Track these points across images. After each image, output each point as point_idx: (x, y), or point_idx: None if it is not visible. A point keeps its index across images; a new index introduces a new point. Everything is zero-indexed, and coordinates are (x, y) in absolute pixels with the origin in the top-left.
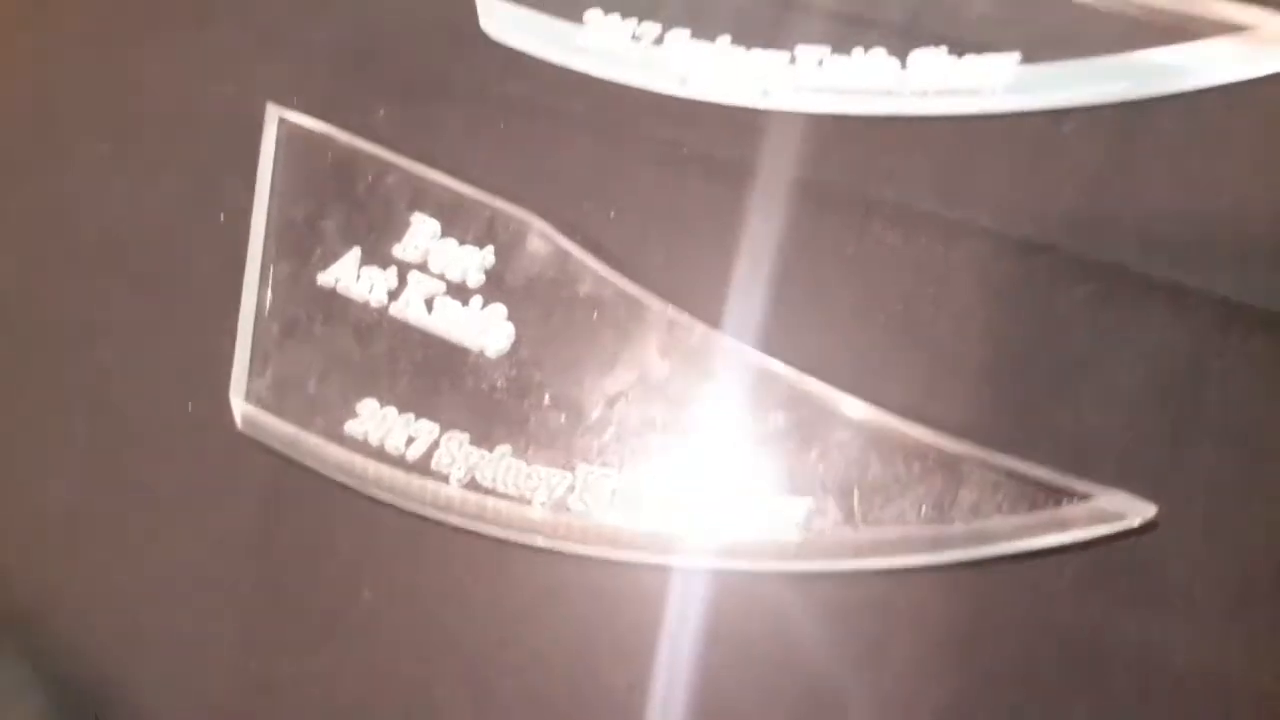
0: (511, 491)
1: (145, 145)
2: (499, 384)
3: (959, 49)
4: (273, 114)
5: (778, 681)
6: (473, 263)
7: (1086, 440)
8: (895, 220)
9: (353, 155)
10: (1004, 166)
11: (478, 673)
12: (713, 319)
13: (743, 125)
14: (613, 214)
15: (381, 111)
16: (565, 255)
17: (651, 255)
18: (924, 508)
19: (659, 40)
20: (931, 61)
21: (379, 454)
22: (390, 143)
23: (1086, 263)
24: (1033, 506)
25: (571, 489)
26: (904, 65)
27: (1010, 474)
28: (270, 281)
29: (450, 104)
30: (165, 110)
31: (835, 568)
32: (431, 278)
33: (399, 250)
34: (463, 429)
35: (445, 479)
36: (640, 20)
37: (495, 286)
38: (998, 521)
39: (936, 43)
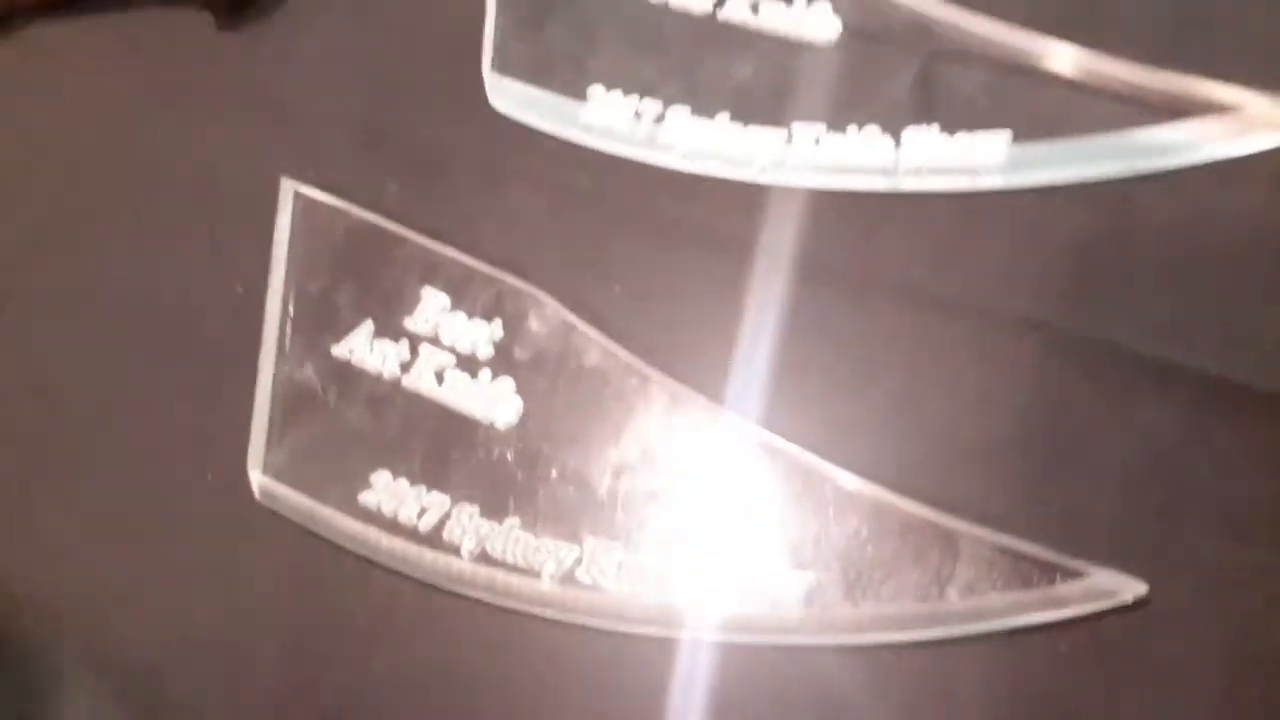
0: (521, 564)
1: (164, 218)
2: (508, 456)
3: (951, 127)
4: (288, 189)
5: None
6: (482, 336)
7: (1079, 516)
8: (892, 296)
9: (365, 229)
10: (997, 243)
11: None
12: (714, 393)
13: (742, 201)
14: (617, 288)
15: (393, 185)
16: (571, 329)
17: (655, 329)
18: (922, 584)
19: (660, 118)
20: (925, 140)
21: (392, 526)
22: (401, 216)
23: (1079, 340)
24: (1027, 584)
25: (579, 561)
26: (898, 143)
27: (1006, 551)
28: (286, 354)
29: (459, 178)
30: (183, 183)
31: (835, 642)
32: (442, 350)
33: (410, 323)
34: (473, 501)
35: (457, 551)
36: (642, 97)
37: (504, 359)
38: (993, 598)
39: (929, 121)
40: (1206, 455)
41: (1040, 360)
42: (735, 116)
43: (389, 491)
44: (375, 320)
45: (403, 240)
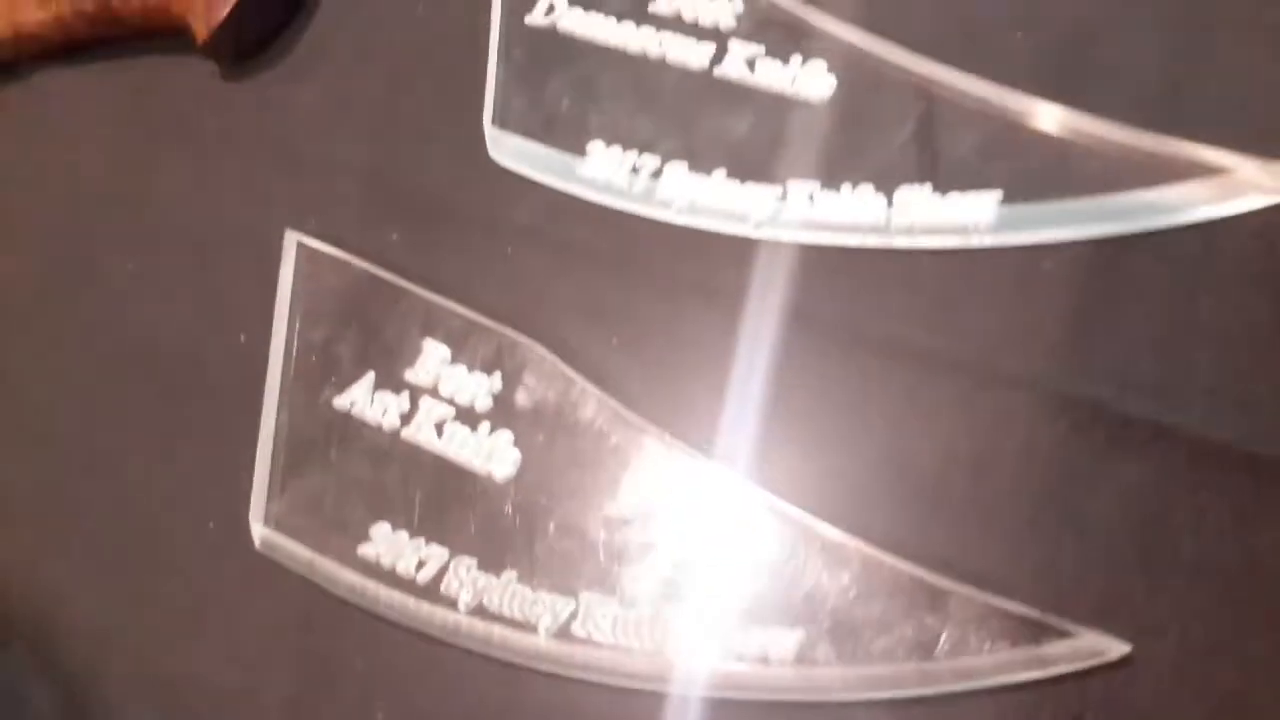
0: (518, 617)
1: (168, 264)
2: (506, 509)
3: (943, 187)
4: (291, 239)
5: None
6: (481, 388)
7: (1066, 574)
8: (883, 353)
9: (367, 280)
10: (987, 302)
11: None
12: (709, 448)
13: (738, 256)
14: (614, 341)
15: (395, 234)
16: (569, 382)
17: (651, 382)
18: (911, 642)
19: (658, 173)
20: (917, 199)
21: (391, 578)
22: (403, 266)
23: (1067, 399)
24: (1015, 643)
25: (574, 616)
26: (890, 202)
27: (994, 610)
28: (289, 405)
29: (460, 229)
30: (187, 230)
31: (826, 699)
32: (442, 403)
33: (411, 375)
34: (471, 554)
35: (454, 604)
36: (640, 153)
37: (503, 412)
38: (982, 658)
39: (921, 180)
40: (1192, 516)
41: (1028, 418)
42: (732, 173)
43: (388, 543)
44: (376, 371)
45: (404, 292)
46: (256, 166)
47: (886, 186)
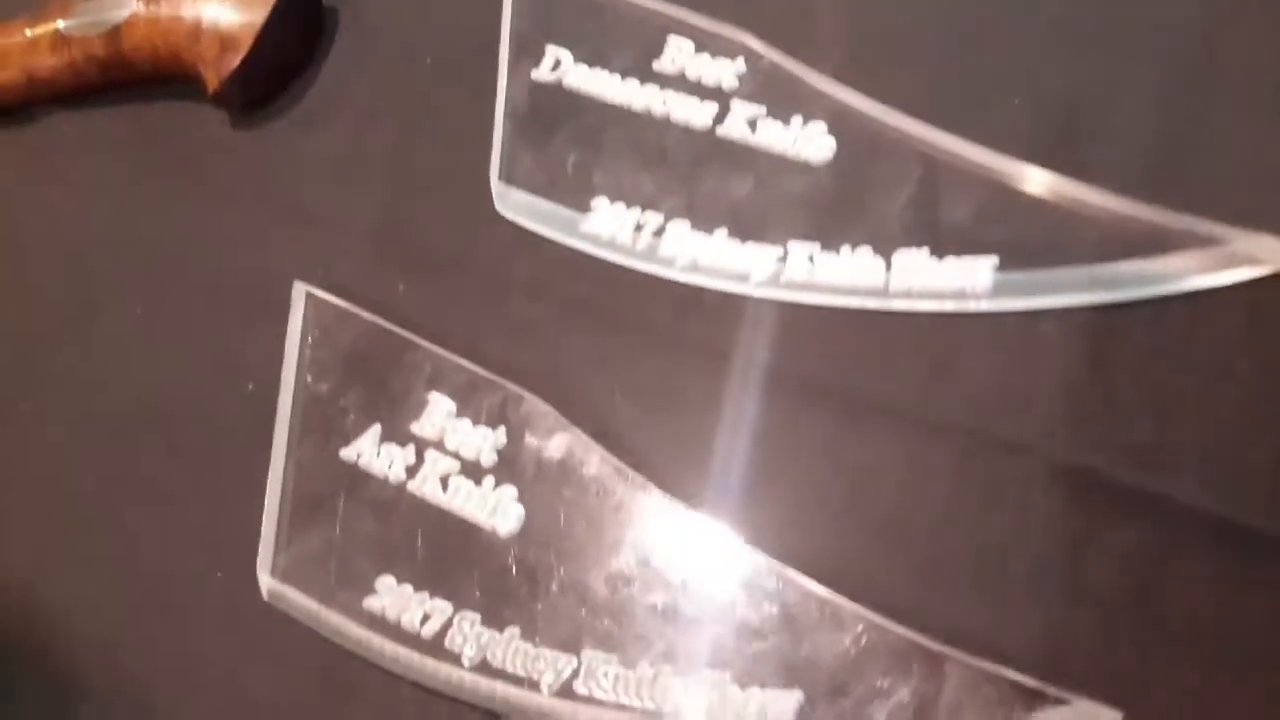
0: (520, 673)
1: (178, 312)
2: (509, 564)
3: (940, 251)
4: (299, 291)
5: None
6: (486, 443)
7: (1060, 641)
8: (882, 416)
9: (375, 332)
10: (983, 367)
11: None
12: (709, 508)
13: (739, 315)
14: (617, 397)
15: (401, 286)
16: (573, 438)
17: (653, 439)
18: (909, 706)
19: (660, 231)
20: (914, 263)
21: (395, 631)
22: (409, 318)
23: (1061, 466)
24: (1010, 710)
25: (576, 673)
26: (889, 266)
27: (990, 677)
28: (296, 456)
29: (466, 281)
30: (197, 278)
31: None
32: (447, 456)
33: (417, 428)
34: (475, 609)
35: (458, 659)
36: (644, 210)
37: (507, 467)
38: None
39: (919, 244)
40: (1183, 585)
41: (1023, 485)
42: (733, 232)
43: (393, 596)
44: (383, 424)
45: (411, 344)
46: (265, 215)
47: (885, 249)
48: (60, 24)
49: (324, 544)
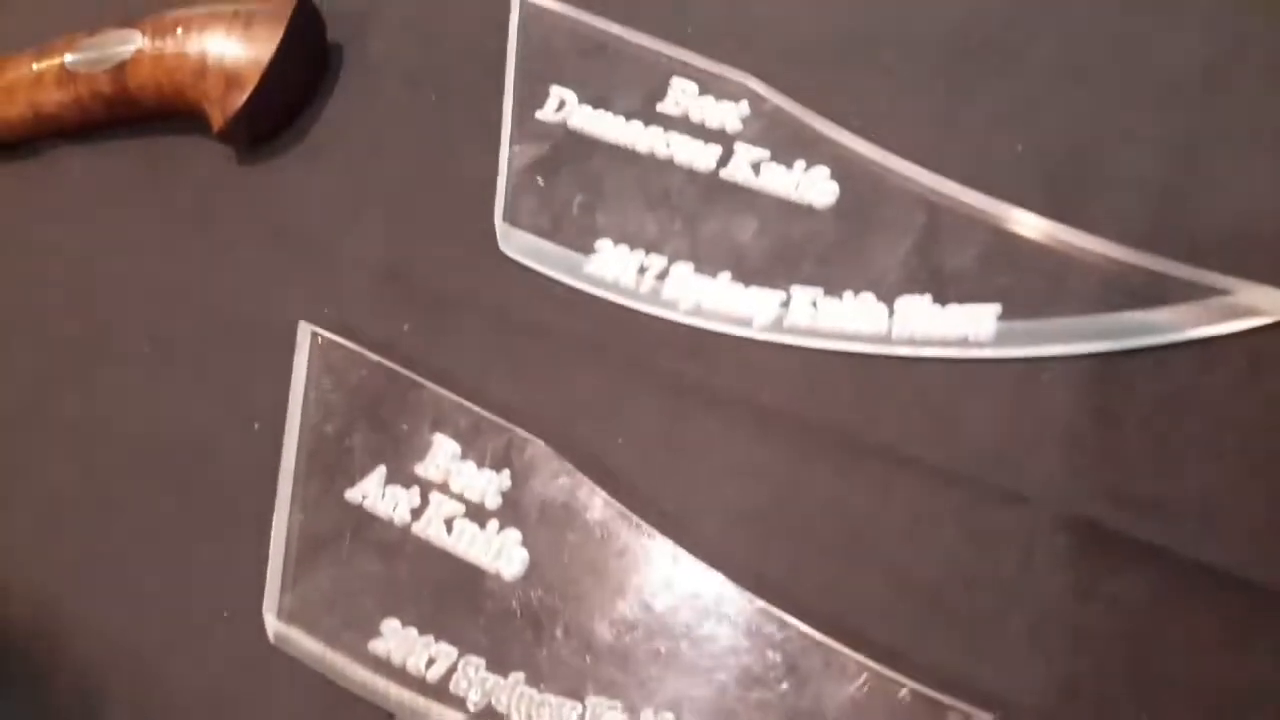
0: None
1: (184, 349)
2: (514, 608)
3: (943, 299)
4: (305, 330)
5: None
6: (490, 486)
7: (1058, 690)
8: (884, 462)
9: (380, 373)
10: (985, 414)
11: None
12: (711, 552)
13: (742, 359)
14: (620, 440)
15: (406, 326)
16: (576, 482)
17: (655, 483)
18: None
19: (664, 274)
20: (917, 309)
21: (401, 675)
22: (414, 357)
23: (1061, 516)
24: None
25: None
26: (891, 312)
27: None
28: (302, 497)
29: (470, 321)
30: (203, 315)
31: None
32: (452, 499)
33: (422, 469)
34: (480, 653)
35: (463, 704)
36: (648, 253)
37: (511, 510)
38: None
39: (922, 291)
40: (1182, 636)
41: (1024, 534)
42: (736, 276)
43: (398, 639)
44: (388, 465)
45: (416, 385)
46: (271, 253)
47: (888, 295)
48: (66, 59)
49: (329, 586)
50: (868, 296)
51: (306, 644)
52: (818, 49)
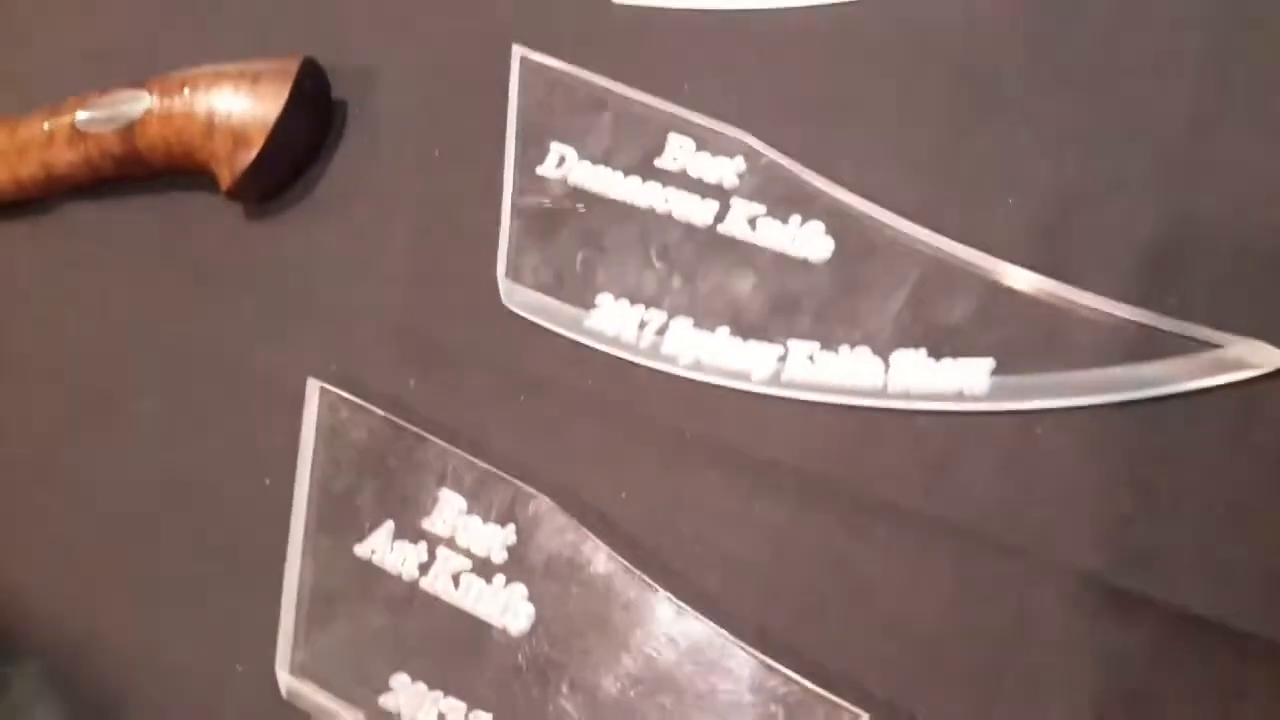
0: None
1: (194, 404)
2: (521, 663)
3: (937, 353)
4: (313, 387)
5: None
6: (496, 541)
7: None
8: (882, 516)
9: (387, 429)
10: (981, 466)
11: None
12: (712, 609)
13: (741, 413)
14: (623, 495)
15: (412, 381)
16: (581, 536)
17: (658, 537)
18: None
19: (663, 329)
20: (912, 363)
21: None
22: (420, 412)
23: (1057, 569)
24: None
25: None
26: (887, 366)
27: None
28: (312, 552)
29: (475, 376)
30: (212, 370)
31: None
32: (458, 554)
33: (428, 524)
34: (487, 708)
35: None
36: (648, 307)
37: (517, 565)
38: None
39: (916, 345)
40: (1176, 687)
41: (1020, 587)
42: (735, 330)
43: (408, 694)
44: (395, 520)
45: (422, 440)
46: (278, 308)
47: (883, 350)
48: (76, 119)
49: (340, 641)
50: (864, 351)
51: (318, 699)
52: (811, 104)
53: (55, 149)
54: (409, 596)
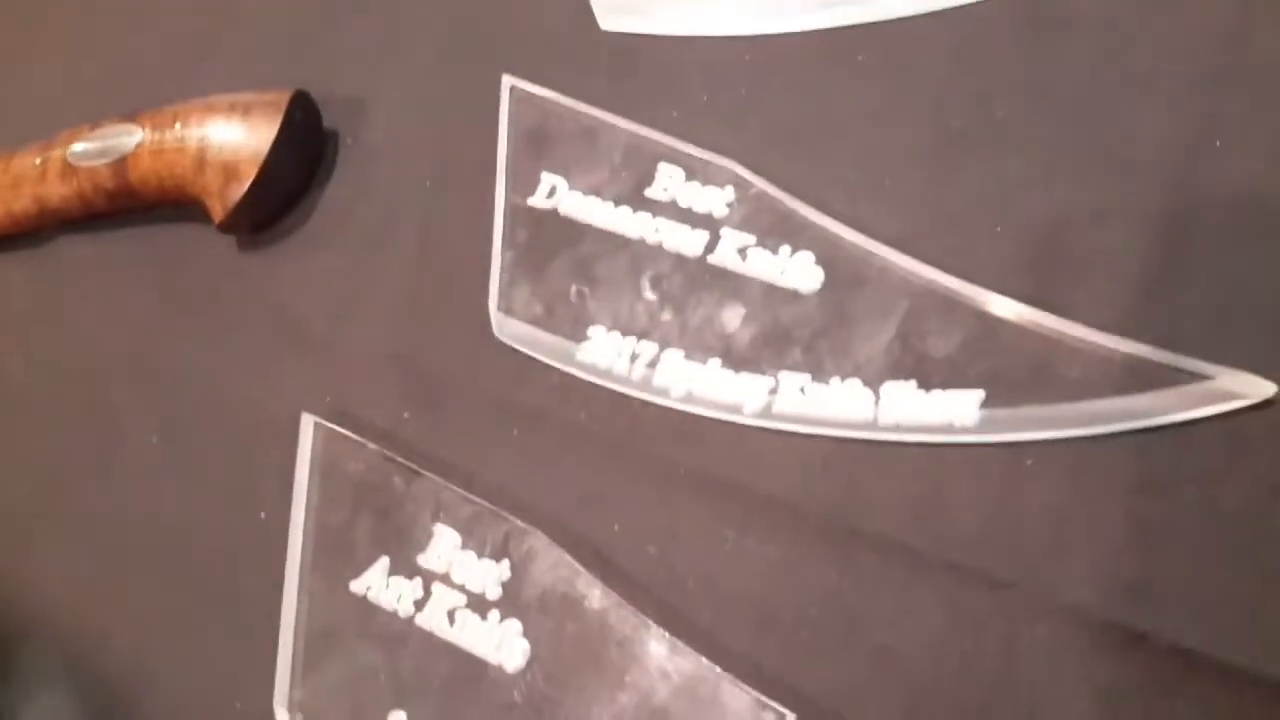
0: None
1: (189, 439)
2: (516, 699)
3: (927, 385)
4: (308, 421)
5: None
6: (491, 576)
7: None
8: (873, 549)
9: (381, 463)
10: (971, 499)
11: None
12: (704, 644)
13: (733, 445)
14: (616, 527)
15: (406, 414)
16: (574, 572)
17: (652, 571)
18: None
19: (655, 361)
20: (902, 395)
21: None
22: (414, 445)
23: (1047, 602)
24: None
25: None
26: (878, 398)
27: None
28: (309, 589)
29: (468, 409)
30: (206, 404)
31: None
32: (454, 590)
33: (423, 560)
34: None
35: None
36: (639, 339)
37: (511, 601)
38: None
39: (906, 377)
40: None
41: (1010, 621)
42: (726, 363)
43: None
44: (391, 556)
45: (416, 475)
46: (273, 341)
47: (874, 381)
48: (69, 153)
49: (338, 678)
50: (854, 382)
51: None
52: (799, 132)
53: (48, 183)
54: (405, 633)
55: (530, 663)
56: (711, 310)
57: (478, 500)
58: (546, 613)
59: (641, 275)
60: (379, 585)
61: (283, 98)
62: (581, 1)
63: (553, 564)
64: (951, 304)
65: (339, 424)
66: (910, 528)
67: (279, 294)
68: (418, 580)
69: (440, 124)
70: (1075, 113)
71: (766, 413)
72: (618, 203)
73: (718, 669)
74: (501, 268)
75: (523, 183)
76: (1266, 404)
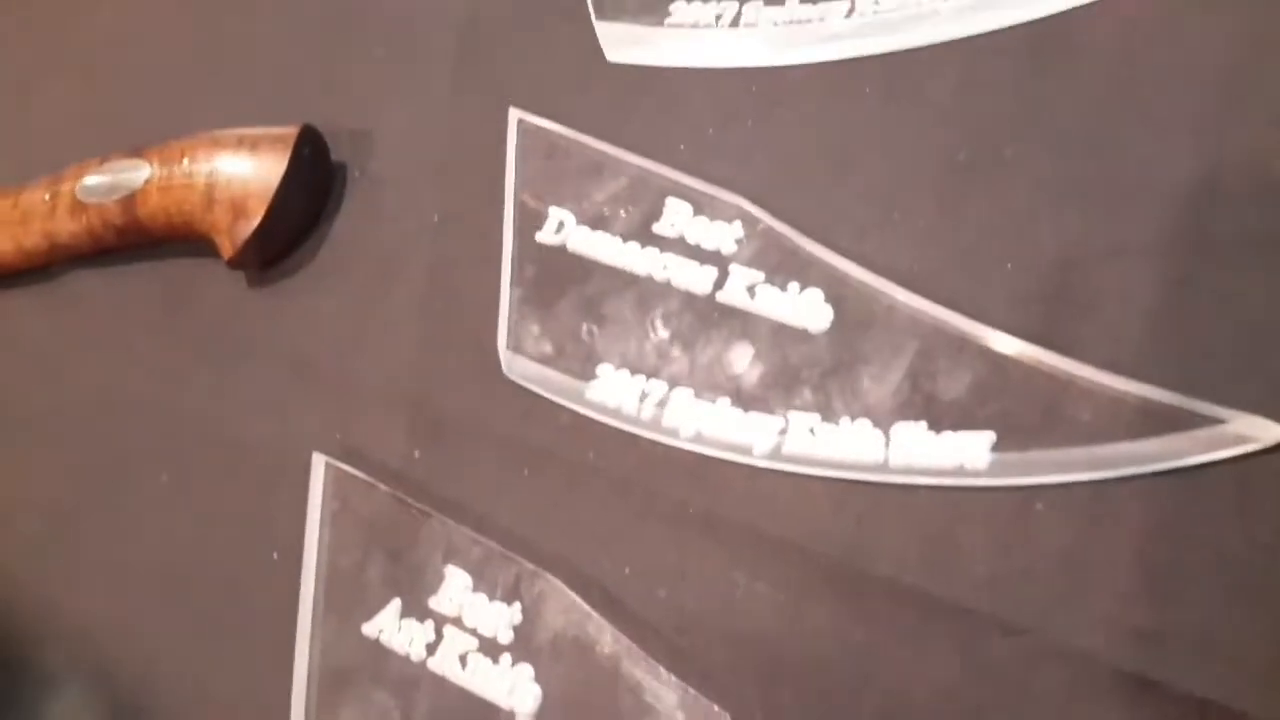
0: None
1: (199, 478)
2: None
3: (937, 426)
4: (319, 461)
5: None
6: (502, 620)
7: None
8: (884, 593)
9: (392, 504)
10: (982, 542)
11: None
12: (716, 688)
13: (743, 486)
14: (627, 570)
15: (417, 453)
16: (585, 615)
17: (663, 614)
18: None
19: (664, 401)
20: (913, 437)
21: None
22: (425, 485)
23: (1058, 648)
24: None
25: None
26: (888, 440)
27: None
28: (322, 632)
29: (478, 448)
30: (217, 443)
31: None
32: (465, 633)
33: (435, 602)
34: None
35: None
36: (648, 378)
37: (523, 645)
38: None
39: (916, 418)
40: None
41: (1020, 667)
42: (735, 402)
43: None
44: (403, 598)
45: (427, 516)
46: (282, 378)
47: (884, 422)
48: (77, 189)
49: None
50: (864, 423)
51: None
52: (807, 165)
53: (57, 219)
54: (418, 677)
55: (542, 709)
56: (720, 349)
57: (488, 542)
58: (558, 657)
59: (650, 313)
60: (391, 628)
61: (291, 133)
62: (588, 34)
63: (564, 608)
64: (961, 344)
65: (349, 462)
66: (920, 571)
67: (288, 330)
68: (429, 623)
69: (448, 157)
70: (1086, 147)
71: (776, 454)
72: (626, 238)
73: (728, 717)
74: (510, 305)
75: (531, 217)
76: (1278, 448)
